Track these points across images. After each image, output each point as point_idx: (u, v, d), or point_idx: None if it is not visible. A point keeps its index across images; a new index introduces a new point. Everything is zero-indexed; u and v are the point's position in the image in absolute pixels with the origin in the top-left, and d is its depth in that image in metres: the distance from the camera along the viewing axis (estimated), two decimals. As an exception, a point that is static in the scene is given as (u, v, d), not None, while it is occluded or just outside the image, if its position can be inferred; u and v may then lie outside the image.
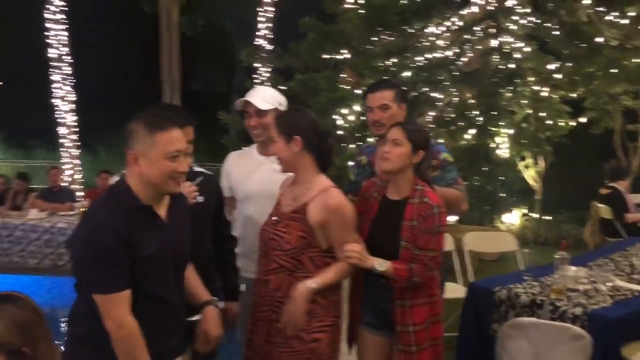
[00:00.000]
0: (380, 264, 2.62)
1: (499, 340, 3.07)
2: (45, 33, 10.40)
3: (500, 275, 4.10)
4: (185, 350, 2.43)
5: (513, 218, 9.45)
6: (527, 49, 6.74)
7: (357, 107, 6.27)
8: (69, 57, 10.53)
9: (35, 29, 11.11)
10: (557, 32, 6.95)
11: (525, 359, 2.95)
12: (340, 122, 6.20)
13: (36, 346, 1.67)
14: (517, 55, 6.60)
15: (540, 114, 7.19)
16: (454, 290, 4.52)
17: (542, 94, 7.13)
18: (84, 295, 2.15)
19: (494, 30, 6.52)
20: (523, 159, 9.36)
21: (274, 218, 2.65)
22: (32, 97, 14.50)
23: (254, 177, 3.07)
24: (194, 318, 2.50)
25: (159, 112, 2.32)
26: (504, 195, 6.70)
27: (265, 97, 3.07)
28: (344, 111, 6.28)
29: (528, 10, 6.83)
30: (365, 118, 3.25)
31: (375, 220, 2.75)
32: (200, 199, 2.70)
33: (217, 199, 2.93)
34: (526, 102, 6.84)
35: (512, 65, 6.51)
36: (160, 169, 2.12)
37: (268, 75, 9.16)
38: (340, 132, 6.11)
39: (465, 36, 6.63)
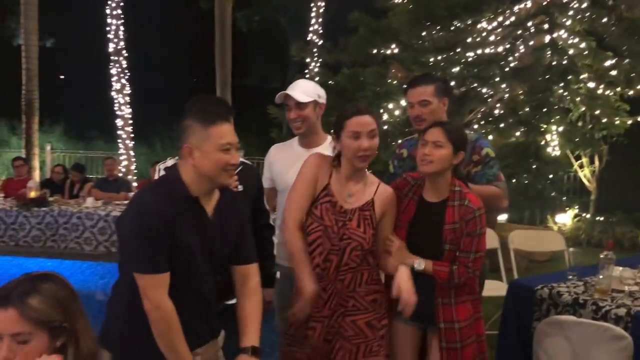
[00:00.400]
0: (419, 263, 2.66)
1: (536, 337, 3.02)
2: (107, 29, 10.77)
3: (544, 274, 4.03)
4: (217, 335, 2.47)
5: (565, 218, 9.22)
6: (582, 45, 6.56)
7: (403, 102, 6.25)
8: (126, 52, 10.86)
9: (95, 23, 11.51)
10: (614, 28, 6.72)
11: (563, 358, 2.90)
12: (386, 116, 6.19)
13: (75, 322, 1.75)
14: (571, 51, 6.43)
15: (596, 112, 6.98)
16: (499, 289, 4.47)
17: (598, 91, 6.92)
18: (127, 274, 2.22)
19: (547, 26, 6.36)
20: (579, 157, 9.14)
21: (343, 215, 2.61)
22: (91, 90, 15.03)
23: (295, 169, 3.11)
24: (231, 302, 2.56)
25: (210, 108, 2.39)
26: (554, 194, 6.54)
27: (305, 89, 3.10)
28: (390, 106, 6.26)
29: (584, 6, 6.64)
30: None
31: (414, 224, 2.73)
32: (240, 187, 2.77)
33: (257, 188, 3.00)
34: (579, 99, 6.65)
35: (565, 62, 6.35)
36: (214, 161, 2.18)
37: (317, 70, 9.22)
38: (385, 127, 6.10)
39: (518, 32, 6.49)
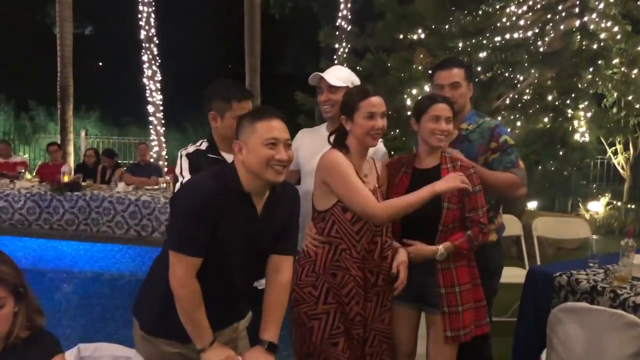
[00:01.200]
0: (441, 249, 2.75)
1: (549, 324, 3.00)
2: (139, 16, 10.93)
3: (564, 261, 4.00)
4: (241, 318, 2.53)
5: (598, 206, 9.07)
6: (615, 29, 6.39)
7: (427, 88, 6.21)
8: (157, 39, 11.00)
9: (130, 11, 11.69)
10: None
11: (576, 344, 2.87)
12: (409, 102, 6.15)
13: (26, 287, 1.93)
14: (602, 36, 6.28)
15: (628, 97, 6.81)
16: (520, 276, 4.42)
17: (632, 76, 6.74)
18: (167, 249, 2.28)
19: (577, 10, 6.22)
20: (613, 144, 8.96)
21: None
22: (126, 77, 15.26)
23: (317, 156, 3.13)
24: (258, 285, 2.60)
25: (261, 108, 2.41)
26: (584, 182, 6.44)
27: (339, 75, 3.12)
28: (414, 92, 6.22)
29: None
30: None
31: (411, 190, 2.78)
32: None
33: None
34: (610, 85, 6.50)
35: (595, 46, 6.21)
36: (258, 156, 2.18)
37: (345, 55, 9.23)
38: (410, 113, 6.05)
39: (548, 16, 6.36)
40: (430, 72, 6.27)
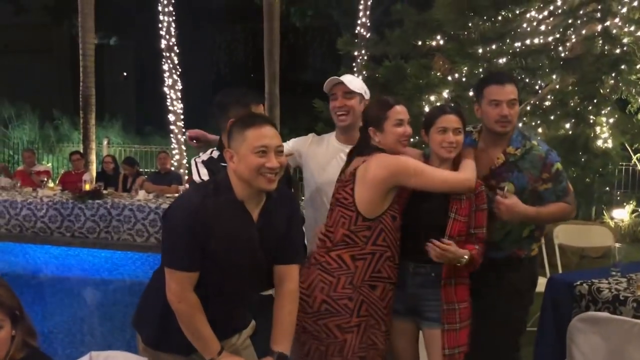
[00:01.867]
0: (465, 255, 2.71)
1: (569, 334, 2.95)
2: (159, 25, 11.04)
3: (585, 270, 3.92)
4: (244, 328, 2.51)
5: (623, 214, 8.90)
6: (638, 34, 6.29)
7: (445, 94, 6.18)
8: (177, 48, 11.10)
9: (151, 22, 11.83)
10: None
11: (597, 355, 2.82)
12: (427, 109, 6.13)
13: (22, 310, 1.94)
14: (625, 40, 6.19)
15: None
16: (542, 285, 4.35)
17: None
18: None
19: (599, 15, 6.14)
20: (638, 151, 8.81)
21: None
22: (149, 86, 15.44)
23: (333, 163, 3.09)
24: (267, 293, 2.59)
25: (251, 114, 2.41)
26: (607, 189, 6.33)
27: (353, 82, 3.11)
28: (432, 98, 6.20)
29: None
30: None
31: (416, 193, 2.76)
32: None
33: (286, 179, 3.00)
34: (634, 90, 6.40)
35: (618, 51, 6.12)
36: (248, 164, 2.16)
37: (364, 63, 9.23)
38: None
39: (569, 20, 6.29)
40: (448, 79, 6.29)
